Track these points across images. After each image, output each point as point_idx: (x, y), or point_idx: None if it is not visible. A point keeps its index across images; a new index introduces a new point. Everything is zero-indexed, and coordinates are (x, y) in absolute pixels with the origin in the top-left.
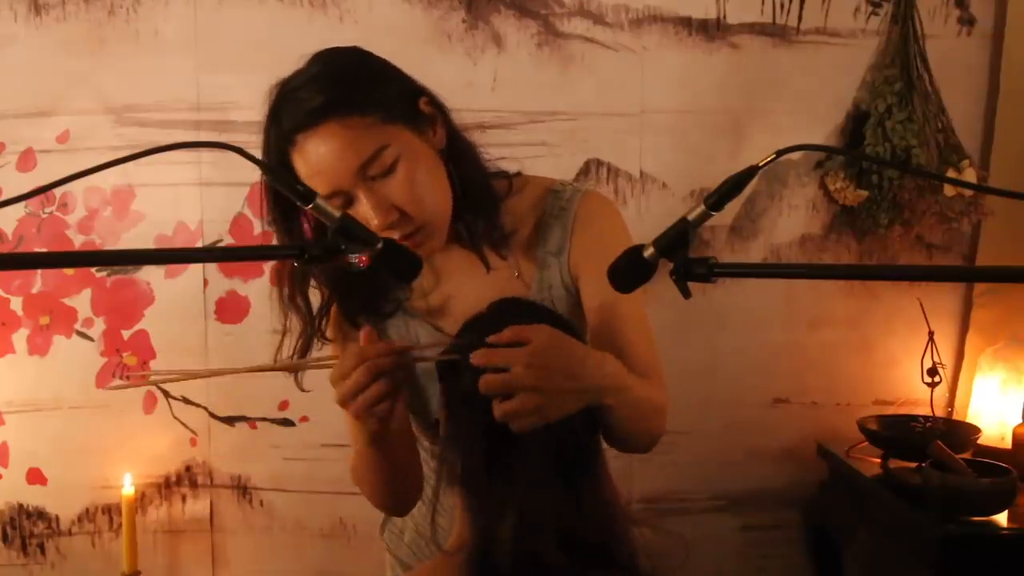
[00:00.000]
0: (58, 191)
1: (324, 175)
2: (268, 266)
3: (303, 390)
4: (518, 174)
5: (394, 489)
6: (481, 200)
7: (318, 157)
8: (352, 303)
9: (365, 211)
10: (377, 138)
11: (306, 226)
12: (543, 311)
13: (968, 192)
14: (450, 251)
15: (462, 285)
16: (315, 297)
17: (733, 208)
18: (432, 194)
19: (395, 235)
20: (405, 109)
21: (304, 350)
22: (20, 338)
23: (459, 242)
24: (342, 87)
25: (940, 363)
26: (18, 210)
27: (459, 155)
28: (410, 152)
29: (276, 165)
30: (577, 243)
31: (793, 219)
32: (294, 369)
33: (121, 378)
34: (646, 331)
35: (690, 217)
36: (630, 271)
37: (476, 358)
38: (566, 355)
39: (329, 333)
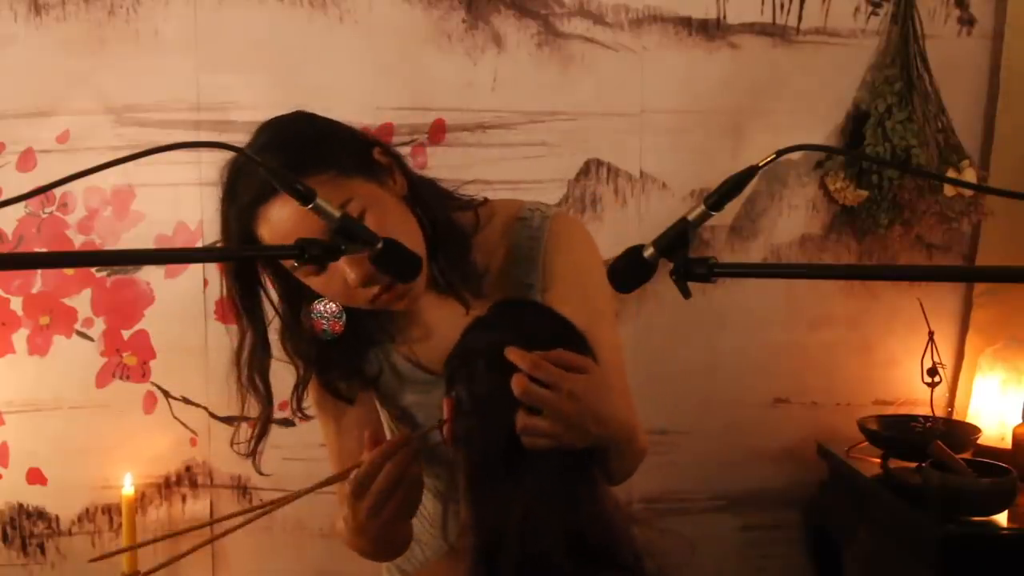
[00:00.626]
0: (58, 191)
1: (293, 239)
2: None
3: (261, 473)
4: (484, 201)
5: (392, 549)
6: (451, 241)
7: (284, 222)
8: (332, 373)
9: (340, 269)
10: (339, 193)
11: (267, 306)
12: (544, 310)
13: (968, 192)
14: (427, 296)
15: (444, 329)
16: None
17: (733, 208)
18: (404, 241)
19: (374, 289)
20: (361, 162)
21: (261, 435)
22: (20, 338)
23: (435, 286)
24: (294, 151)
25: (940, 363)
26: (18, 210)
27: (422, 198)
28: (375, 203)
29: (239, 241)
30: (549, 275)
31: (793, 219)
32: (310, 491)
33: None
34: (620, 363)
35: (690, 217)
36: (630, 271)
37: (519, 358)
38: (604, 403)
39: (312, 410)
